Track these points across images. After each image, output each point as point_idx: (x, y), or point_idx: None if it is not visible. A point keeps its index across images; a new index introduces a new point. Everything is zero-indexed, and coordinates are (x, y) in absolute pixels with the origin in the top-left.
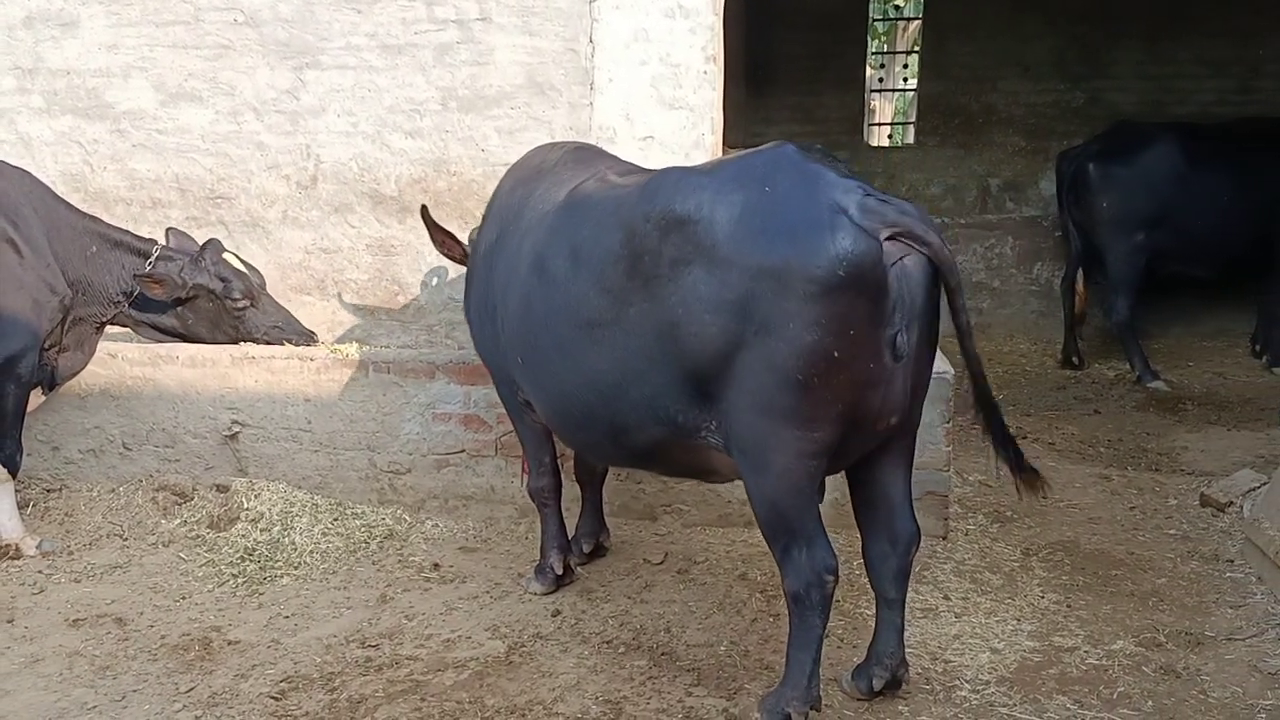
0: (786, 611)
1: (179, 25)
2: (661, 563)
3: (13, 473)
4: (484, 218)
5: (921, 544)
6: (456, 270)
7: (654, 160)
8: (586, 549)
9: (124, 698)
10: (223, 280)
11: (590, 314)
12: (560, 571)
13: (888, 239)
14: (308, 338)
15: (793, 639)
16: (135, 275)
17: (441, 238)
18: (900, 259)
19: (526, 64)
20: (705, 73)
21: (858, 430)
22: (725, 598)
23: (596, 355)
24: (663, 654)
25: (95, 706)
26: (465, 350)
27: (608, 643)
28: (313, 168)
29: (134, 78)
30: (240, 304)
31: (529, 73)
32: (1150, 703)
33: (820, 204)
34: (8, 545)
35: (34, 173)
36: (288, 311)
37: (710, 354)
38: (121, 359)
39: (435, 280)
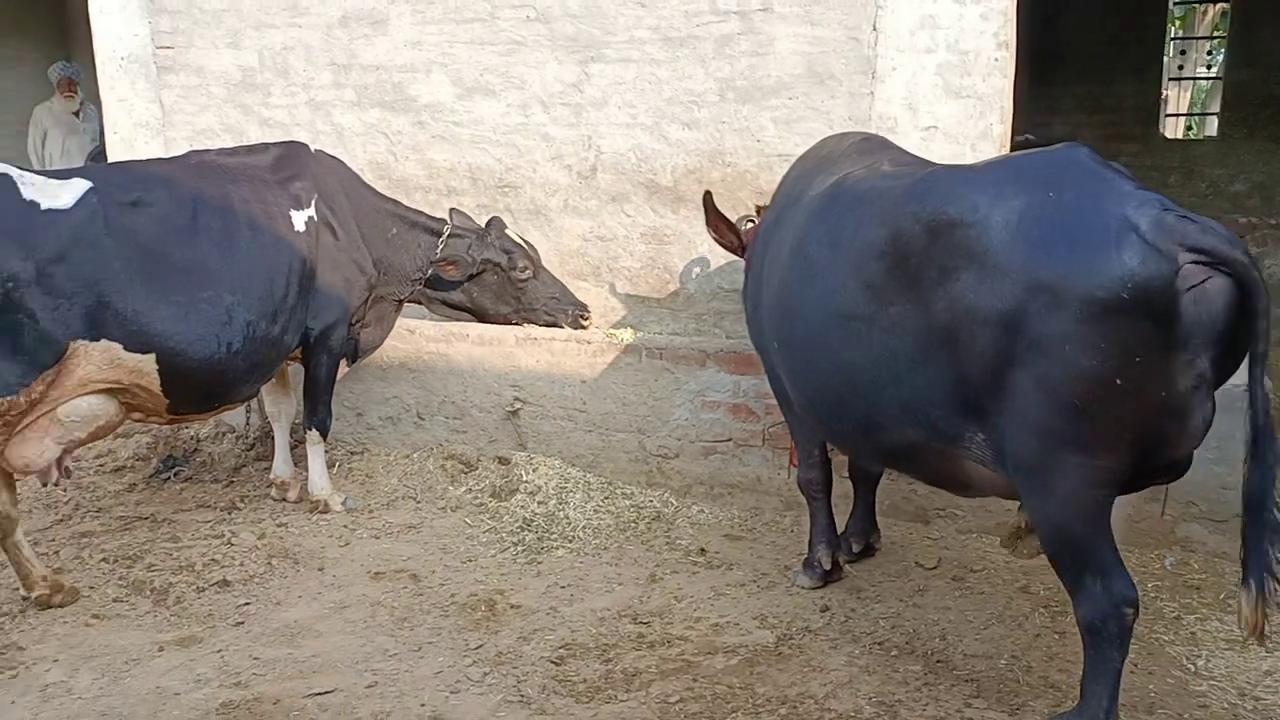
0: (1072, 629)
1: (477, 23)
2: (935, 568)
3: (324, 435)
4: (769, 206)
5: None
6: (726, 260)
7: (937, 152)
8: (856, 548)
9: (420, 648)
10: (507, 253)
11: (847, 306)
12: (828, 567)
13: (1189, 261)
14: (582, 309)
15: (1088, 670)
16: (432, 261)
17: (718, 224)
18: (1201, 282)
19: (806, 54)
20: (996, 60)
21: (1154, 457)
22: (1005, 610)
23: (852, 348)
24: (938, 661)
25: (395, 654)
26: (735, 340)
27: (879, 644)
28: (593, 158)
29: (435, 73)
30: (524, 275)
31: (808, 62)
32: None
33: (1108, 217)
34: (318, 501)
35: (346, 161)
36: (563, 285)
37: (979, 367)
38: (419, 335)
39: (706, 270)
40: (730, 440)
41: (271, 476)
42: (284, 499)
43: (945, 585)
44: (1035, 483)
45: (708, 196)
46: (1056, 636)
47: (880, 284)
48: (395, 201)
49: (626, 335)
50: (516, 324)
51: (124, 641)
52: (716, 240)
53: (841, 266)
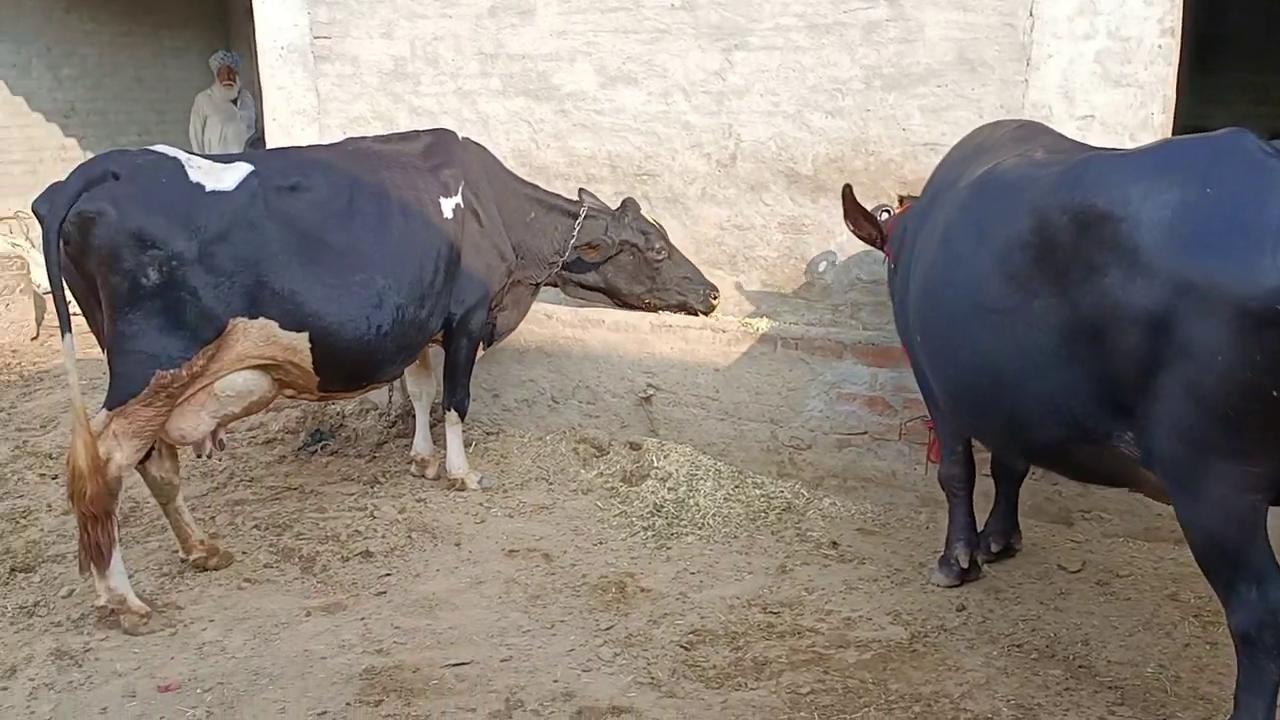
0: (1225, 640)
1: (621, 11)
2: (1078, 571)
3: (461, 416)
4: (920, 195)
5: None
6: (864, 251)
7: (1093, 143)
8: (995, 548)
9: (553, 626)
10: (644, 234)
11: (991, 298)
12: (965, 565)
13: None
14: (712, 289)
15: (1242, 681)
16: (575, 246)
17: (856, 217)
18: None
19: (957, 40)
20: (1160, 47)
21: None
22: (1152, 617)
23: (995, 341)
24: (1080, 666)
25: (529, 631)
26: (872, 331)
27: (1018, 646)
28: (733, 146)
29: (579, 61)
30: (660, 256)
31: (959, 49)
32: None
33: (1269, 215)
34: (456, 479)
35: (489, 148)
36: (694, 265)
37: (1126, 367)
38: (555, 320)
39: (844, 260)
40: (865, 433)
41: (412, 453)
42: (423, 475)
43: (1089, 589)
44: (1182, 487)
45: (847, 190)
46: (1208, 647)
47: (1024, 276)
48: (534, 186)
49: (761, 324)
50: (648, 303)
51: (274, 605)
52: (854, 233)
53: (987, 257)
